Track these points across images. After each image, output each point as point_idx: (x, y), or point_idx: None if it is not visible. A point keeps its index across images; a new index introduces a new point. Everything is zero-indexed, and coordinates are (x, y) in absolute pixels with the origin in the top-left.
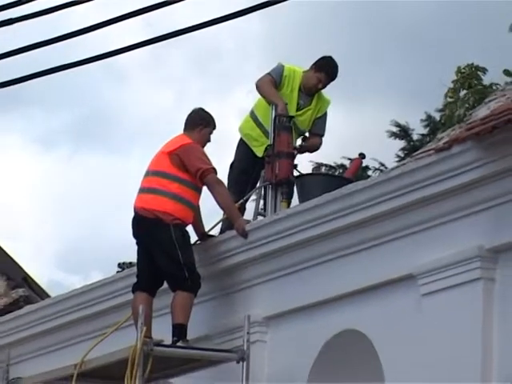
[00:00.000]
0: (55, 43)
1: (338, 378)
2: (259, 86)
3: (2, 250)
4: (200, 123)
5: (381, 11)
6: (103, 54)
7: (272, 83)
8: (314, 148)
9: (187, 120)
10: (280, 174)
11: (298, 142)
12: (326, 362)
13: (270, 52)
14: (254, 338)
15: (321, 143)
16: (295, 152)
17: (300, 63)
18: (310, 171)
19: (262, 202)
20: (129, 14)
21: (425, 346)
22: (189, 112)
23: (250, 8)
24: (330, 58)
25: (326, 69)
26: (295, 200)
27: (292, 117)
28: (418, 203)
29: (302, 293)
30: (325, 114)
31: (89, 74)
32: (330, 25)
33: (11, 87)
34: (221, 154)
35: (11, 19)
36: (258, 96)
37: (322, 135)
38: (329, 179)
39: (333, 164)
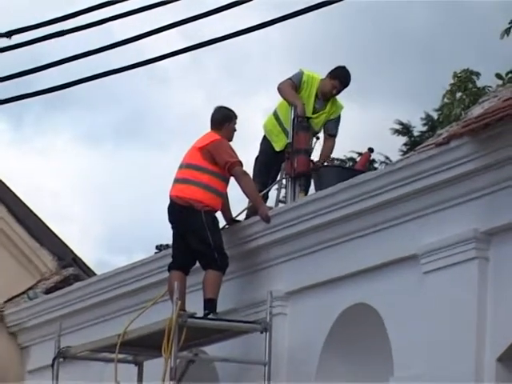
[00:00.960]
0: (104, 51)
1: (350, 346)
2: (280, 89)
3: (53, 232)
4: (225, 121)
5: (388, 24)
6: (145, 61)
7: (292, 87)
8: (330, 150)
9: (213, 119)
10: (298, 168)
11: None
12: (339, 331)
13: (289, 58)
14: (276, 311)
15: (334, 142)
16: (312, 150)
17: (317, 68)
18: (325, 164)
19: (282, 191)
20: (168, 25)
21: (426, 317)
22: (212, 111)
23: (273, 20)
24: (344, 67)
25: (341, 77)
26: (311, 191)
27: (309, 118)
28: (421, 191)
29: (319, 271)
30: (338, 117)
31: (132, 77)
32: (342, 35)
33: (65, 90)
34: (246, 148)
35: (63, 31)
36: (281, 98)
37: (335, 135)
38: (341, 171)
39: (344, 158)
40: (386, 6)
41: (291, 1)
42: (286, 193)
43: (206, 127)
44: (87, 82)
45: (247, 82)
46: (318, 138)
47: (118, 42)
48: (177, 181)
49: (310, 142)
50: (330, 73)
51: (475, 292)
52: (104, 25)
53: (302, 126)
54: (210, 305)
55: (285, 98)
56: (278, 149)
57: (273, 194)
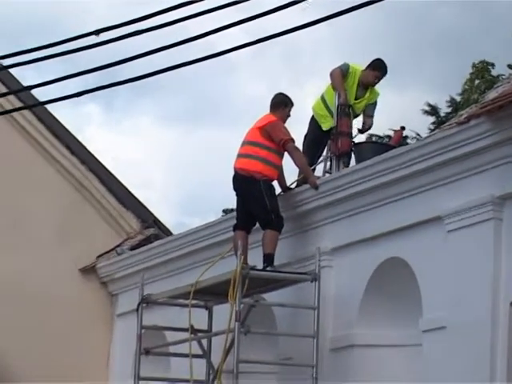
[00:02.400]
0: (180, 45)
1: (386, 293)
2: (332, 75)
3: (137, 199)
4: (281, 105)
5: (420, 21)
6: (215, 54)
7: (341, 75)
8: (368, 127)
9: (271, 103)
10: (342, 148)
11: (354, 122)
12: (377, 280)
13: (336, 51)
14: (323, 264)
15: (372, 122)
16: (355, 132)
17: (359, 59)
18: (365, 140)
19: (328, 164)
20: (234, 22)
21: (450, 268)
22: (272, 96)
23: (322, 18)
24: (381, 59)
25: (380, 68)
26: (352, 164)
27: (350, 105)
28: (445, 163)
29: (359, 230)
30: (375, 102)
31: (204, 67)
32: (382, 31)
33: (148, 78)
34: (300, 126)
35: (145, 29)
36: (328, 84)
37: (372, 116)
38: (378, 146)
39: (381, 134)
40: (418, 5)
41: (338, 1)
42: (331, 165)
43: (267, 110)
44: (167, 72)
45: (301, 72)
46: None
47: (193, 37)
48: (240, 155)
49: (351, 126)
50: (370, 64)
51: (491, 247)
52: (180, 23)
53: (345, 112)
54: (268, 259)
55: (333, 84)
56: (324, 128)
57: (320, 166)
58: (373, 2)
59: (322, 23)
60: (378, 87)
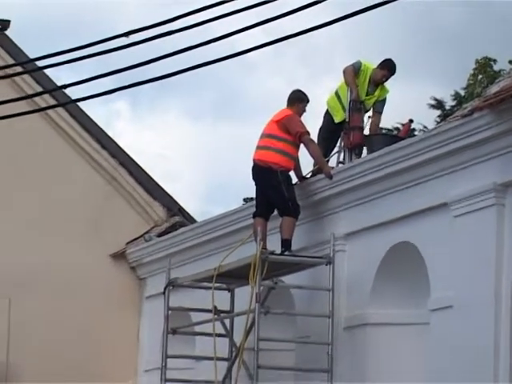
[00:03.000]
0: (204, 46)
1: (396, 275)
2: (345, 72)
3: (163, 189)
4: (297, 100)
5: (427, 20)
6: (237, 53)
7: (353, 72)
8: (376, 125)
9: (289, 98)
10: (354, 141)
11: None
12: (387, 263)
13: (350, 49)
14: (337, 249)
15: (380, 118)
16: (364, 126)
17: (371, 56)
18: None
19: (341, 155)
20: (254, 24)
21: (455, 251)
22: (289, 92)
23: (336, 19)
24: (391, 60)
25: (389, 68)
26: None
27: (362, 101)
28: (450, 153)
29: (371, 216)
30: (385, 99)
31: (226, 66)
32: (392, 29)
33: (173, 77)
34: (315, 120)
35: (171, 31)
36: (342, 80)
37: (381, 113)
38: (388, 138)
39: (390, 127)
40: (427, 6)
41: (350, 2)
42: (344, 156)
43: (284, 105)
44: (191, 71)
45: (317, 69)
46: (369, 117)
47: (216, 38)
48: (258, 147)
49: (363, 120)
50: (380, 64)
51: (494, 231)
52: (203, 25)
53: (357, 108)
54: (285, 244)
55: (346, 81)
56: (337, 121)
57: (333, 157)
58: (384, 3)
59: (336, 23)
60: (387, 85)
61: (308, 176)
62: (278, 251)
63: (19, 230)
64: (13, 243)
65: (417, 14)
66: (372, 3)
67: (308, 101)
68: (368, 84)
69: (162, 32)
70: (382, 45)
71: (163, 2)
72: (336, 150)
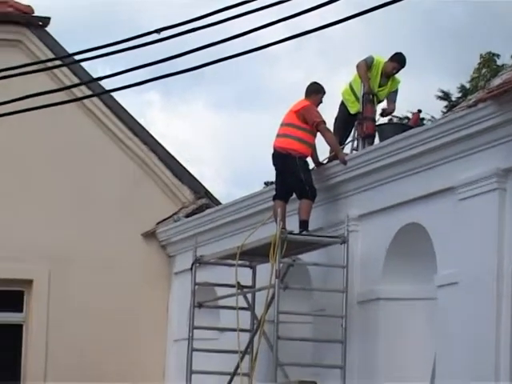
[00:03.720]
0: (230, 41)
1: (405, 253)
2: (358, 67)
3: (190, 173)
4: (314, 92)
5: (436, 17)
6: (259, 47)
7: (365, 67)
8: (391, 112)
9: (306, 90)
10: (367, 131)
11: (379, 107)
12: (397, 243)
13: (365, 44)
14: (351, 229)
15: (394, 107)
16: (378, 116)
17: (382, 51)
18: (386, 122)
19: (355, 142)
20: (276, 20)
21: (460, 230)
22: (307, 84)
23: (352, 15)
24: (401, 53)
25: (399, 61)
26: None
27: (375, 93)
28: (456, 140)
29: (382, 199)
30: (397, 90)
31: (249, 59)
32: (404, 25)
33: (201, 69)
34: (331, 109)
35: (194, 28)
36: (355, 73)
37: (395, 102)
38: (398, 126)
39: (401, 116)
40: (433, 2)
41: (364, 0)
42: (357, 144)
43: (302, 96)
44: (217, 64)
45: (334, 62)
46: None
47: (242, 33)
48: (278, 135)
49: (375, 111)
50: (391, 57)
51: (496, 213)
52: (230, 21)
53: (369, 100)
54: (303, 224)
55: (359, 75)
56: (352, 112)
57: (348, 145)
58: (396, 0)
59: (351, 20)
60: (398, 76)
61: (324, 162)
62: (297, 231)
63: (60, 210)
64: (54, 221)
65: (426, 11)
66: (384, 1)
67: (324, 92)
68: (380, 76)
69: (190, 28)
70: (394, 40)
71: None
72: (350, 138)
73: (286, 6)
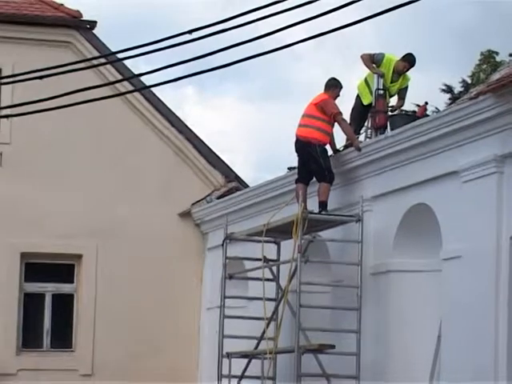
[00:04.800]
0: (258, 40)
1: (414, 230)
2: (362, 58)
3: (221, 159)
4: (332, 86)
5: (441, 17)
6: (284, 46)
7: (369, 60)
8: (399, 107)
9: (325, 84)
10: (379, 123)
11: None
12: (407, 221)
13: (377, 43)
14: (365, 209)
15: (403, 103)
16: (389, 110)
17: (393, 48)
18: (397, 113)
19: (369, 132)
20: (298, 22)
21: (463, 209)
22: (326, 79)
23: (365, 18)
24: (412, 54)
25: (409, 61)
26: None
27: (386, 89)
28: (459, 129)
29: (393, 182)
30: (407, 86)
31: (275, 57)
32: (412, 26)
33: (232, 66)
34: (349, 101)
35: (224, 29)
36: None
37: (404, 98)
38: (407, 117)
39: (408, 108)
40: (441, 5)
41: (377, 3)
42: (371, 134)
43: (322, 90)
44: (246, 61)
45: (350, 59)
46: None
47: (269, 33)
48: (300, 125)
49: (387, 105)
50: (402, 57)
51: (495, 194)
52: (256, 22)
53: (381, 94)
54: (322, 205)
55: (364, 65)
56: (365, 103)
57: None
58: (408, 3)
59: (366, 21)
60: (409, 73)
61: (341, 149)
62: (317, 211)
63: (107, 193)
64: (102, 203)
65: (433, 11)
66: (394, 3)
67: (341, 87)
68: (392, 73)
69: (220, 29)
70: (403, 39)
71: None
72: (364, 128)
73: (309, 8)
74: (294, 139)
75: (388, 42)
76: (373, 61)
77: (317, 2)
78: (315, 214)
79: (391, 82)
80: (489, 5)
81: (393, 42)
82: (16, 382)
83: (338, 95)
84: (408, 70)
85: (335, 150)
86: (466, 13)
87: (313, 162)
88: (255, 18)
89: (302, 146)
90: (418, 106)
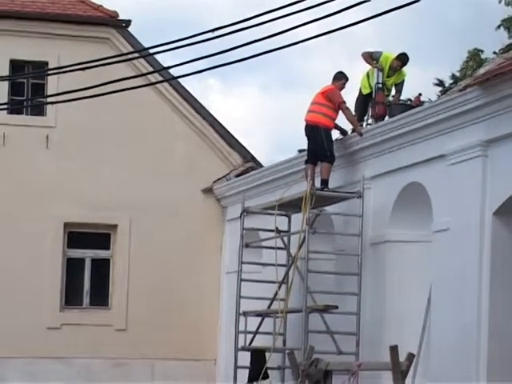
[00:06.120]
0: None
1: (408, 205)
2: (363, 56)
3: (240, 142)
4: (338, 78)
5: (437, 18)
6: (297, 42)
7: (369, 57)
8: (396, 99)
9: (333, 77)
10: (378, 113)
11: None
12: (402, 196)
13: (377, 40)
14: (366, 187)
15: (399, 96)
16: (388, 101)
17: (392, 48)
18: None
19: (370, 120)
20: (309, 21)
21: (450, 188)
22: (335, 72)
23: (367, 18)
24: (405, 53)
25: (402, 59)
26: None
27: (383, 83)
28: (448, 117)
29: (390, 163)
30: (403, 81)
31: (289, 52)
32: (409, 26)
33: (251, 60)
34: (352, 93)
35: (243, 28)
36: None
37: (401, 91)
38: (403, 106)
39: (404, 98)
40: (435, 6)
41: (378, 6)
42: (371, 122)
43: (329, 81)
44: (264, 55)
45: (355, 54)
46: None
47: (284, 31)
48: (309, 111)
49: (386, 97)
50: (397, 56)
51: (480, 175)
52: (272, 22)
53: (380, 88)
54: (324, 182)
55: (366, 62)
56: (364, 93)
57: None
58: (407, 4)
59: (369, 21)
60: (406, 69)
61: (349, 132)
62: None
63: (139, 172)
64: (134, 180)
65: (428, 13)
66: (394, 5)
67: (347, 79)
68: (388, 69)
69: (238, 28)
70: (401, 36)
71: (242, 4)
72: (366, 117)
73: (317, 9)
74: (304, 124)
75: (388, 40)
76: (372, 58)
77: (326, 4)
78: (322, 190)
79: (387, 77)
80: (478, 7)
81: (392, 40)
82: (60, 334)
83: (344, 86)
84: (401, 67)
85: (343, 131)
86: (458, 15)
87: (317, 144)
88: (272, 17)
89: (309, 129)
90: (413, 97)
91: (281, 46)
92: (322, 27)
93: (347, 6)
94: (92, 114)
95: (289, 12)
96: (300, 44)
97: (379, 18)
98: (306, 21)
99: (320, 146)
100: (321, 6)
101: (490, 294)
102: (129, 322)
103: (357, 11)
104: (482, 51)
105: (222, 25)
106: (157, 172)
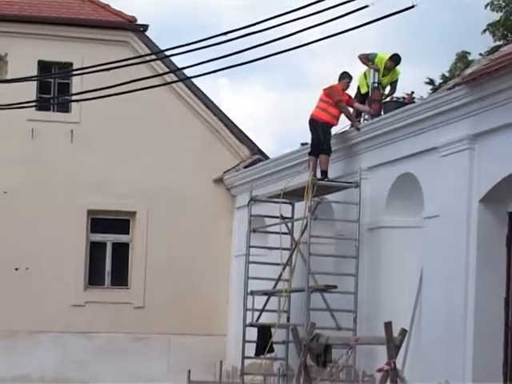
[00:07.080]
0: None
1: (402, 194)
2: (360, 58)
3: (248, 137)
4: (343, 78)
5: (430, 23)
6: (303, 44)
7: (365, 58)
8: (391, 95)
9: (339, 76)
10: (374, 110)
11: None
12: (396, 186)
13: (375, 42)
14: (363, 177)
15: (394, 92)
16: (383, 99)
17: (388, 49)
18: (389, 99)
19: (367, 116)
20: (315, 25)
21: (441, 177)
22: (339, 72)
23: (368, 22)
24: (398, 54)
25: (395, 60)
26: None
27: (379, 82)
28: (439, 113)
29: (385, 155)
30: (397, 79)
31: (295, 53)
32: (404, 29)
33: (260, 61)
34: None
35: (254, 32)
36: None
37: (395, 88)
38: (397, 103)
39: (398, 96)
40: (427, 11)
41: (377, 11)
42: (368, 117)
43: (334, 81)
44: (272, 57)
45: (355, 57)
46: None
47: (290, 34)
48: (315, 107)
49: (381, 95)
50: (390, 56)
51: (467, 166)
52: (281, 26)
53: (376, 87)
54: (324, 173)
55: (363, 64)
56: (362, 92)
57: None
58: (402, 10)
59: (368, 25)
60: (400, 69)
61: (359, 119)
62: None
63: (155, 163)
64: (152, 171)
65: (421, 18)
66: (391, 11)
67: (351, 79)
68: (383, 68)
69: (249, 32)
70: (398, 39)
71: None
72: (363, 114)
73: (323, 14)
74: (308, 118)
75: (385, 42)
76: (368, 59)
77: (330, 10)
78: (321, 180)
79: (383, 76)
80: (466, 13)
81: (389, 43)
82: (84, 310)
83: (349, 85)
84: (394, 67)
85: (353, 120)
86: (448, 20)
87: (317, 137)
88: (281, 22)
89: (312, 124)
90: (406, 94)
91: (288, 48)
92: (326, 31)
93: (348, 11)
94: (113, 110)
95: (295, 17)
96: (306, 46)
97: (377, 23)
98: (311, 25)
99: (318, 139)
100: (325, 12)
101: (476, 274)
102: (146, 300)
103: (357, 17)
104: (469, 53)
105: (234, 28)
106: (172, 164)
